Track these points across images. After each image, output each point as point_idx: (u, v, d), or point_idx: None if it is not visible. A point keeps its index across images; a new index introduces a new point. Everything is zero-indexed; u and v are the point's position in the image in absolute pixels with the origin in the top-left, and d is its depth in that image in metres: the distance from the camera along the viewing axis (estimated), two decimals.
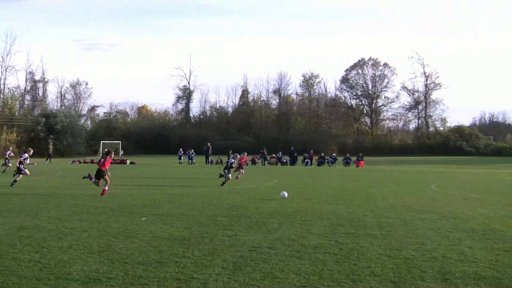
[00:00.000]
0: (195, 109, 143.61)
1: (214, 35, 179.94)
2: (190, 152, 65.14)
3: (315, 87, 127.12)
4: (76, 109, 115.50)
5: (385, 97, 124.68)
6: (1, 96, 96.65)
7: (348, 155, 66.32)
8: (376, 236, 12.82)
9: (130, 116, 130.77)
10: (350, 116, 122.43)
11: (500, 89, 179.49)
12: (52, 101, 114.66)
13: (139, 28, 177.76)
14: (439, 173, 43.76)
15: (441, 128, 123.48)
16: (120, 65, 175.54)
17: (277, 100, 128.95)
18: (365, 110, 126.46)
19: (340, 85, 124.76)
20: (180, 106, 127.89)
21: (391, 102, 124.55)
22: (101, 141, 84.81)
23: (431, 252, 10.88)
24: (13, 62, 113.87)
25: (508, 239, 12.62)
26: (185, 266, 9.53)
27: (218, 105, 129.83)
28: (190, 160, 64.23)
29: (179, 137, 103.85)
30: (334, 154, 69.67)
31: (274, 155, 65.94)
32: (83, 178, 23.49)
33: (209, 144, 65.24)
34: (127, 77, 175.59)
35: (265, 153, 66.07)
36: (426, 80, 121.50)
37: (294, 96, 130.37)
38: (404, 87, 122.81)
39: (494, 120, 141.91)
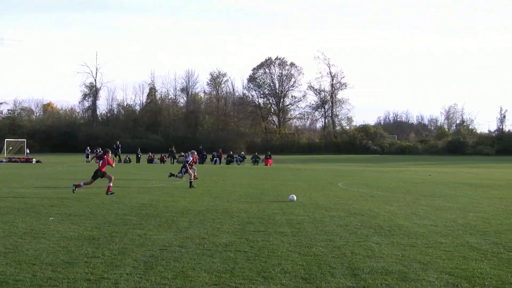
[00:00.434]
0: (102, 107, 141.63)
1: (121, 32, 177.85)
2: (98, 151, 64.02)
3: (222, 85, 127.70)
4: None
5: (292, 96, 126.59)
6: None
7: (256, 153, 66.75)
8: (286, 233, 12.94)
9: (35, 113, 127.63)
10: (258, 115, 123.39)
11: (403, 90, 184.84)
12: None
13: (45, 23, 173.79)
14: (346, 171, 44.60)
15: (347, 127, 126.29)
16: (25, 61, 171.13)
17: (185, 99, 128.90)
18: (272, 109, 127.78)
19: (248, 84, 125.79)
20: (87, 104, 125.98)
21: (298, 101, 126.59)
22: (5, 139, 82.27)
23: (340, 249, 11.08)
24: None
25: (413, 234, 13.00)
26: (95, 266, 9.36)
27: (125, 103, 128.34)
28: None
29: (86, 135, 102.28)
30: (243, 152, 70.08)
31: (183, 153, 65.68)
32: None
33: (118, 142, 64.25)
34: (31, 74, 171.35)
35: (174, 151, 65.73)
36: (332, 80, 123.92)
37: (202, 95, 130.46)
38: (310, 87, 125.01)
39: (398, 119, 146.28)
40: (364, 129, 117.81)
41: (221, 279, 8.62)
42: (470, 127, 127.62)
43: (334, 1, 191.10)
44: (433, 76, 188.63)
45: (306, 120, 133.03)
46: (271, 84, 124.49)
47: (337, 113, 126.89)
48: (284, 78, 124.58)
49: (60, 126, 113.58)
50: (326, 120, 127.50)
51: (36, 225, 13.74)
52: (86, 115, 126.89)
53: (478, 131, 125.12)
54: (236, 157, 63.45)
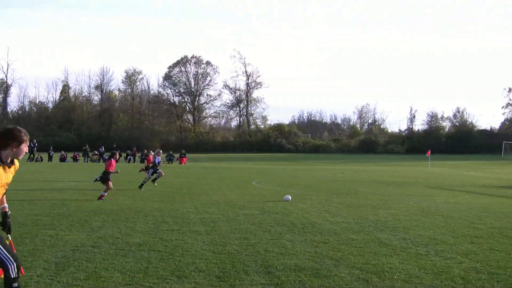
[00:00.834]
0: (14, 104, 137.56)
1: (32, 27, 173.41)
2: None
3: (138, 83, 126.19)
4: None
5: (207, 95, 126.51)
6: None
7: (171, 152, 66.41)
8: (200, 232, 12.93)
9: None
10: (173, 113, 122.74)
11: (317, 89, 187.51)
12: None
13: None
14: (261, 170, 44.93)
15: (262, 126, 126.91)
16: None
17: (99, 96, 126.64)
18: (187, 108, 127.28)
19: (163, 82, 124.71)
20: None
21: (214, 100, 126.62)
22: None
23: (254, 247, 11.15)
24: None
25: (325, 231, 13.21)
26: None
27: (37, 100, 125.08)
28: None
29: None
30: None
31: (96, 152, 64.70)
32: (94, 181, 23.00)
33: (35, 141, 62.29)
34: None
35: (88, 150, 64.67)
36: (248, 79, 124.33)
37: (116, 93, 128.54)
38: (226, 86, 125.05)
39: (312, 118, 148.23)
40: (278, 128, 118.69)
41: (134, 279, 8.53)
42: (382, 126, 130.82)
43: None
44: (347, 75, 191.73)
45: (221, 118, 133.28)
46: (187, 82, 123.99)
47: (252, 112, 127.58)
48: (199, 77, 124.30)
49: None
50: (241, 119, 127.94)
51: None
52: None
53: (389, 131, 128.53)
54: None
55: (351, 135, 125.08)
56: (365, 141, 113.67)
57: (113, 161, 22.16)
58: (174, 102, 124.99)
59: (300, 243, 11.63)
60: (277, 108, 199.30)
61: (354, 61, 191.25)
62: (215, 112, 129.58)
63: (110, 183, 20.91)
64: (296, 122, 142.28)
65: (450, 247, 11.31)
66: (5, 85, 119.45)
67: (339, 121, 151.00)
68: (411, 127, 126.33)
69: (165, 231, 12.95)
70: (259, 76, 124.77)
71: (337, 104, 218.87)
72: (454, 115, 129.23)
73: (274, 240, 11.88)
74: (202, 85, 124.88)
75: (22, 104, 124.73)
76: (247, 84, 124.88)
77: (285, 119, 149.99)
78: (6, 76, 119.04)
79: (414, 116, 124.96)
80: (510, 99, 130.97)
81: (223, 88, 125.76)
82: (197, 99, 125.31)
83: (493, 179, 37.28)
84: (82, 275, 8.67)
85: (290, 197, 20.83)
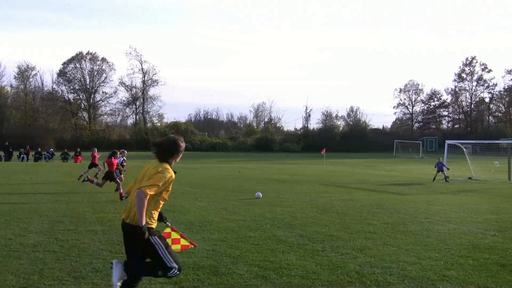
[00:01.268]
0: None
1: None
2: None
3: (31, 79, 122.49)
4: None
5: (103, 92, 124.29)
6: None
7: (66, 150, 64.98)
8: (97, 231, 12.75)
9: None
10: (68, 111, 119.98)
11: (215, 87, 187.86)
12: None
13: None
14: None
15: (159, 124, 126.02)
16: None
17: None
18: (83, 105, 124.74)
19: (58, 78, 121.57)
20: None
21: (109, 97, 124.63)
22: None
23: None
24: None
25: (223, 229, 13.28)
26: None
27: None
28: None
29: None
30: (51, 149, 67.92)
31: None
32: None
33: None
34: None
35: None
36: (144, 76, 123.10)
37: (8, 89, 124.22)
38: (122, 83, 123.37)
39: (209, 117, 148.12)
40: (175, 126, 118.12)
41: (29, 281, 8.30)
42: (278, 125, 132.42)
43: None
44: (243, 73, 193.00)
45: (117, 116, 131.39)
46: (82, 79, 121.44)
47: (149, 110, 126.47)
48: (95, 74, 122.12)
49: None
50: (137, 117, 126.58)
51: None
52: None
53: (285, 129, 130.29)
54: (44, 154, 61.38)
55: (247, 134, 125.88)
56: (261, 140, 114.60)
57: (114, 159, 22.64)
58: (69, 99, 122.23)
59: (198, 241, 11.62)
60: (175, 105, 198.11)
61: (254, 60, 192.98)
62: (111, 109, 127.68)
63: (117, 178, 22.44)
64: (193, 120, 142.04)
65: (345, 243, 11.62)
66: None
67: (235, 119, 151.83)
68: (306, 125, 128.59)
69: (60, 231, 12.68)
70: (155, 74, 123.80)
71: (233, 103, 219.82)
72: (348, 114, 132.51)
73: None
74: (97, 82, 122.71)
75: None
76: (143, 82, 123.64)
77: (182, 117, 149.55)
78: None
79: (309, 115, 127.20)
80: (400, 99, 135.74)
81: (119, 85, 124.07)
82: (92, 96, 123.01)
83: (385, 176, 38.42)
84: None
85: (260, 194, 21.46)
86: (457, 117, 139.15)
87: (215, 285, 8.23)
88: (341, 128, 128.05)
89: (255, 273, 8.95)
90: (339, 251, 10.74)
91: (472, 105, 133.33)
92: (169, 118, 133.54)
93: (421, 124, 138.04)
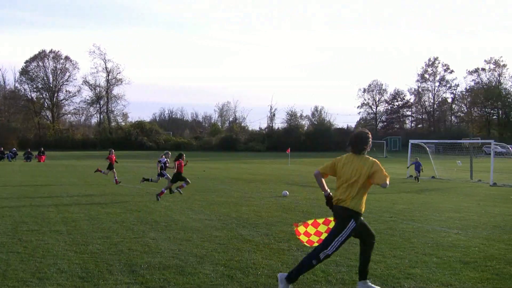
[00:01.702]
0: None
1: None
2: None
3: None
4: None
5: (66, 91, 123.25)
6: None
7: (29, 149, 64.23)
8: (61, 232, 12.63)
9: None
10: (31, 110, 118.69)
11: (178, 87, 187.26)
12: None
13: None
14: (122, 168, 44.31)
15: (123, 123, 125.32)
16: None
17: None
18: (46, 104, 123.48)
19: (20, 77, 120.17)
20: None
21: (73, 96, 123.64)
22: None
23: (117, 245, 11.03)
24: None
25: (189, 229, 13.26)
26: None
27: None
28: None
29: None
30: (14, 148, 67.07)
31: None
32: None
33: None
34: None
35: None
36: (108, 75, 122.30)
37: None
38: (85, 82, 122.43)
39: (173, 116, 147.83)
40: (139, 125, 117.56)
41: None
42: (243, 124, 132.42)
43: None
44: (207, 73, 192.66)
45: (81, 115, 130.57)
46: (45, 78, 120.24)
47: (113, 109, 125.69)
48: (58, 72, 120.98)
49: None
50: (102, 116, 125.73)
51: None
52: None
53: (250, 129, 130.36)
54: (7, 154, 60.60)
55: (212, 133, 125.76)
56: (226, 139, 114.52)
57: (181, 161, 22.45)
58: (32, 98, 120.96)
59: (163, 241, 11.62)
60: (138, 104, 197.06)
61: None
62: (74, 109, 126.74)
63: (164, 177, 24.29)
64: (157, 120, 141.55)
65: None
66: None
67: (200, 119, 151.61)
68: (271, 125, 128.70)
69: (24, 232, 12.55)
70: (119, 73, 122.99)
71: (198, 102, 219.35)
72: (312, 114, 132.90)
73: (138, 239, 11.81)
74: (61, 81, 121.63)
75: None
76: (107, 81, 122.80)
77: (146, 116, 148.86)
78: None
79: (274, 115, 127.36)
80: (364, 99, 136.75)
81: (82, 84, 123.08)
82: (56, 95, 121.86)
83: None
84: None
85: (287, 193, 22.22)
86: (420, 117, 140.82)
87: (181, 285, 8.21)
88: (305, 127, 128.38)
89: (221, 272, 8.96)
90: (305, 250, 10.77)
91: (435, 105, 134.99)
92: (133, 117, 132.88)
93: (385, 123, 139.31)
